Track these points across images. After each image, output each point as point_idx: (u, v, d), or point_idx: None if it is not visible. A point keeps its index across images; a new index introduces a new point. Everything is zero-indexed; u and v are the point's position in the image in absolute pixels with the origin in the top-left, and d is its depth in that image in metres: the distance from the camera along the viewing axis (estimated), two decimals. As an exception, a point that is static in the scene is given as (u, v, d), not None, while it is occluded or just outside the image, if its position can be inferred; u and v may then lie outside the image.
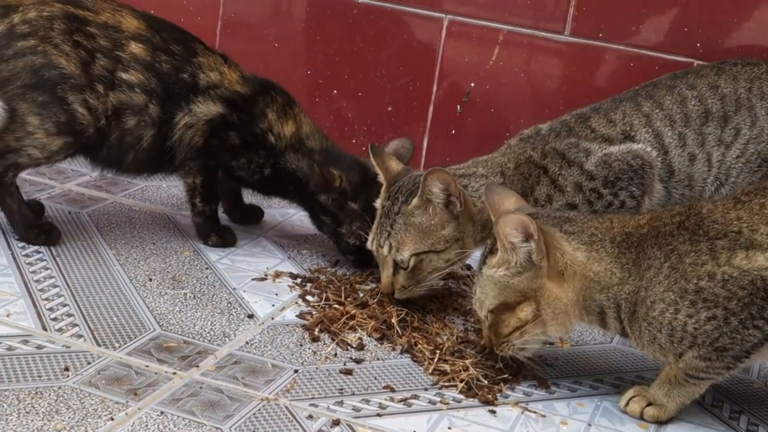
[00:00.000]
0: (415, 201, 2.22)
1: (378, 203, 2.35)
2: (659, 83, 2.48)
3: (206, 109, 2.44)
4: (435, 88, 3.02)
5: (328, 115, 3.09)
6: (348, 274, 2.47)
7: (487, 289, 1.97)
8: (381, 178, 2.36)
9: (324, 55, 3.12)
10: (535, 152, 2.36)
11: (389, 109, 3.04)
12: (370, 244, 2.31)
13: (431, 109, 3.02)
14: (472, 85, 2.97)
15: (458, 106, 2.99)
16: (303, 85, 3.14)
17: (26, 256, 2.35)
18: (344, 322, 2.21)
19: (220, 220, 2.60)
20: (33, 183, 2.72)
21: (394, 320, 2.22)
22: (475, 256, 2.23)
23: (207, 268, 2.42)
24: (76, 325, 2.07)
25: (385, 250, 2.25)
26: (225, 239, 2.56)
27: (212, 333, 2.11)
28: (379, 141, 2.69)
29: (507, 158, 2.37)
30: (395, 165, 2.37)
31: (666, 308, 1.85)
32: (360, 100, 3.09)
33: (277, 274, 2.43)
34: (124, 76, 2.37)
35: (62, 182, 2.82)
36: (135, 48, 2.39)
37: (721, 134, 2.39)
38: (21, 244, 2.39)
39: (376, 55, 3.07)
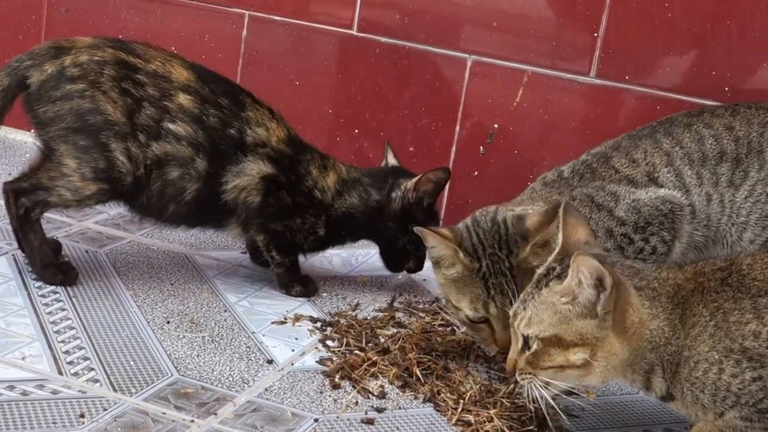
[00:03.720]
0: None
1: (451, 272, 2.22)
2: (675, 120, 2.47)
3: (257, 168, 2.42)
4: (458, 128, 3.00)
5: (349, 154, 3.06)
6: (368, 318, 2.43)
7: (544, 315, 1.85)
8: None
9: (346, 93, 3.11)
10: (562, 197, 2.32)
11: (411, 149, 3.02)
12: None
13: (454, 149, 3.00)
14: (496, 125, 2.95)
15: (481, 147, 2.96)
16: (324, 123, 3.12)
17: (42, 296, 2.31)
18: (365, 369, 2.17)
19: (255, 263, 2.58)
20: (50, 220, 2.69)
21: (415, 368, 2.17)
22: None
23: (226, 311, 2.38)
24: (93, 369, 2.03)
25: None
26: (307, 288, 2.54)
27: (231, 379, 2.07)
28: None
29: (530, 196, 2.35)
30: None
31: (710, 368, 1.79)
32: (381, 140, 3.06)
33: (297, 318, 2.40)
34: (171, 126, 2.35)
35: (80, 220, 2.79)
36: (183, 99, 2.37)
37: (732, 175, 2.38)
38: (38, 284, 2.36)
39: (399, 94, 3.05)
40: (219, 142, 2.39)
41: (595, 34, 2.84)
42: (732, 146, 2.40)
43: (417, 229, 2.24)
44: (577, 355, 1.83)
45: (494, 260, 2.16)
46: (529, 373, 1.88)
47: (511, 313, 1.93)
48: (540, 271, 1.93)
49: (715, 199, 2.39)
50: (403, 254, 2.57)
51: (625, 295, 1.82)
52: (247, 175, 2.42)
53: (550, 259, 1.94)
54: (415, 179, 2.50)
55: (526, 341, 1.87)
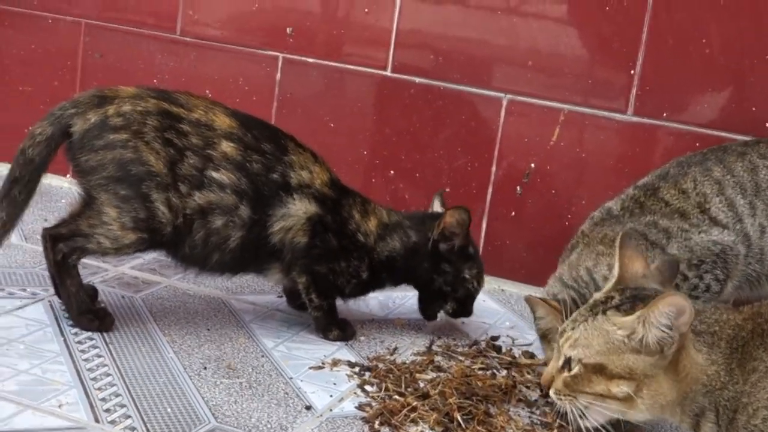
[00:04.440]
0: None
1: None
2: (728, 149, 2.44)
3: (304, 207, 2.42)
4: (494, 168, 2.98)
5: (385, 196, 3.04)
6: (407, 362, 2.40)
7: (594, 341, 1.82)
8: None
9: (380, 134, 3.10)
10: (614, 234, 2.30)
11: (447, 190, 2.98)
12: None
13: (490, 190, 2.98)
14: (532, 165, 2.93)
15: (518, 187, 2.94)
16: (359, 164, 3.11)
17: (79, 343, 2.30)
18: (405, 415, 2.13)
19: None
20: (86, 266, 2.68)
21: (456, 413, 2.14)
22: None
23: (263, 356, 2.36)
24: (129, 416, 2.01)
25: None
26: (345, 332, 2.52)
27: (269, 425, 2.05)
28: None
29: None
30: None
31: None
32: (417, 181, 3.06)
33: (335, 362, 2.37)
34: (215, 175, 2.35)
35: (116, 265, 2.78)
36: (226, 147, 2.36)
37: None
38: (74, 330, 2.35)
39: (434, 134, 3.04)
40: (263, 188, 2.38)
41: (632, 72, 2.82)
42: None
43: (527, 298, 2.28)
44: (620, 388, 1.81)
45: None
46: (567, 395, 1.85)
47: (560, 329, 1.91)
48: (597, 296, 1.91)
49: None
50: (440, 296, 2.55)
51: (685, 335, 1.78)
52: (293, 216, 2.41)
53: (608, 287, 1.92)
54: (439, 219, 2.49)
55: (569, 362, 1.85)
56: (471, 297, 2.57)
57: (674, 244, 2.28)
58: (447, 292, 2.54)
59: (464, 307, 2.57)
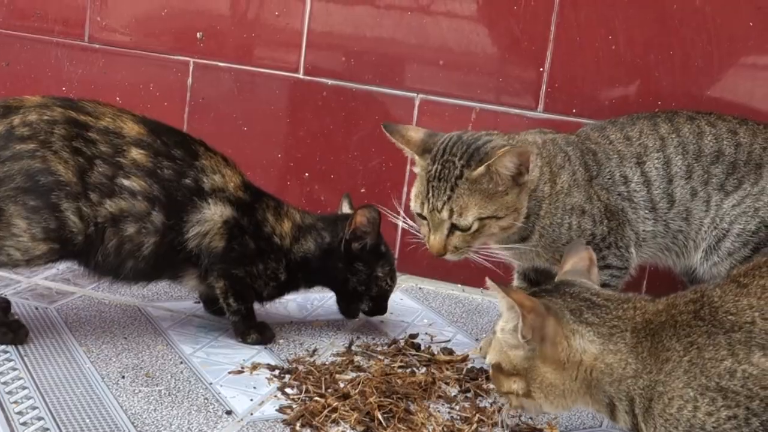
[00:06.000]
0: (481, 169, 2.26)
1: (417, 169, 2.40)
2: (679, 112, 2.53)
3: (219, 211, 2.42)
4: (408, 167, 3.01)
5: (300, 198, 3.05)
6: (327, 363, 2.41)
7: (494, 344, 1.94)
8: (406, 150, 2.43)
9: (294, 137, 3.11)
10: (559, 139, 2.45)
11: (362, 190, 3.02)
12: (420, 208, 2.35)
13: (405, 189, 3.01)
14: (446, 163, 2.95)
15: (432, 186, 2.96)
16: (273, 168, 3.11)
17: (-7, 356, 2.28)
18: (326, 416, 2.14)
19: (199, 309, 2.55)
20: (-2, 278, 2.66)
21: (377, 412, 2.16)
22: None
23: (181, 363, 2.36)
24: (48, 429, 1.99)
25: (445, 214, 2.29)
26: (264, 335, 2.52)
27: (189, 432, 2.05)
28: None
29: (531, 137, 2.45)
30: (415, 134, 2.43)
31: (684, 405, 1.79)
32: (332, 182, 3.07)
33: (254, 366, 2.37)
34: (126, 182, 2.33)
35: (29, 276, 2.75)
36: (136, 154, 2.35)
37: (725, 179, 2.43)
38: (-13, 344, 2.32)
39: (348, 136, 3.05)
40: (176, 193, 2.38)
41: (541, 69, 2.87)
42: (731, 150, 2.44)
43: (385, 125, 2.43)
44: (515, 385, 1.90)
45: (446, 166, 2.31)
46: (501, 396, 1.95)
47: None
48: None
49: (701, 196, 2.43)
50: (355, 295, 2.57)
51: (554, 326, 1.84)
52: (209, 221, 2.41)
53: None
54: (350, 218, 2.53)
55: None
56: (385, 295, 2.60)
57: (598, 182, 2.40)
58: (362, 292, 2.56)
59: (379, 306, 2.60)
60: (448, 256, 2.36)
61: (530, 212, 2.36)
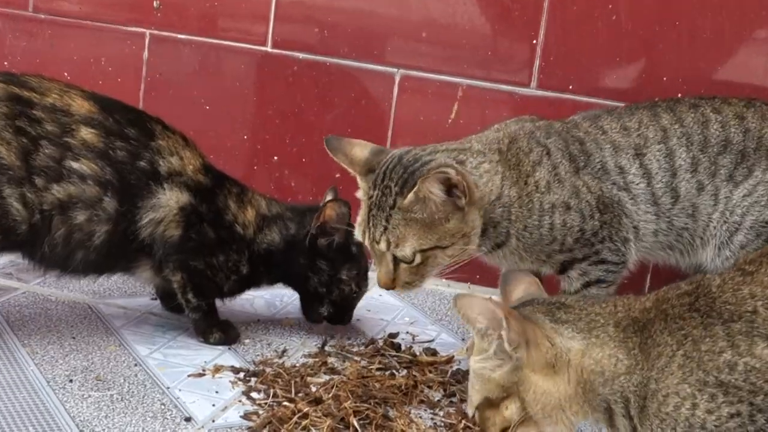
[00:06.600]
0: (410, 197, 2.24)
1: (359, 194, 2.38)
2: (680, 100, 2.53)
3: (175, 196, 2.42)
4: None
5: (269, 185, 3.05)
6: (297, 365, 2.42)
7: (474, 382, 1.91)
8: (350, 171, 2.41)
9: (262, 117, 3.11)
10: (539, 131, 2.42)
11: (337, 176, 3.01)
12: (361, 236, 2.34)
13: (384, 174, 3.00)
14: (430, 146, 2.96)
15: (415, 171, 2.97)
16: (239, 151, 3.11)
17: (-74, 358, 2.28)
18: (296, 422, 2.14)
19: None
20: (-68, 273, 2.66)
21: (352, 418, 2.16)
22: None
23: (136, 365, 2.36)
24: (-14, 437, 2.00)
25: (383, 245, 2.28)
26: (228, 334, 2.52)
27: (144, 441, 2.05)
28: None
29: (502, 134, 2.42)
30: (360, 151, 2.40)
31: (681, 402, 1.80)
32: (304, 167, 3.07)
33: (217, 369, 2.38)
34: (75, 165, 2.33)
35: (-34, 271, 2.76)
36: (86, 134, 2.35)
37: (734, 169, 2.43)
38: None
39: (321, 115, 3.06)
40: (129, 177, 2.38)
41: (534, 42, 2.87)
42: (740, 137, 2.44)
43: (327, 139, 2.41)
44: (509, 410, 1.87)
45: (384, 192, 2.30)
46: None
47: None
48: None
49: (709, 190, 2.43)
50: (316, 298, 2.57)
51: (534, 330, 1.84)
52: (164, 207, 2.41)
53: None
54: (319, 211, 2.52)
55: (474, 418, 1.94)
56: (348, 301, 2.58)
57: (587, 171, 2.39)
58: (322, 294, 2.55)
59: (340, 313, 2.59)
60: (400, 291, 2.38)
61: (500, 219, 2.35)
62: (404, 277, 2.31)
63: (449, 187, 2.22)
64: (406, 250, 2.26)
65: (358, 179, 2.39)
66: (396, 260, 2.30)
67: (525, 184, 2.36)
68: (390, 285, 2.32)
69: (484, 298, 1.85)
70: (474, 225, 2.30)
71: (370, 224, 2.31)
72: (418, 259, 2.27)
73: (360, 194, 2.39)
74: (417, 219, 2.25)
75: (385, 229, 2.27)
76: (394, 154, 2.35)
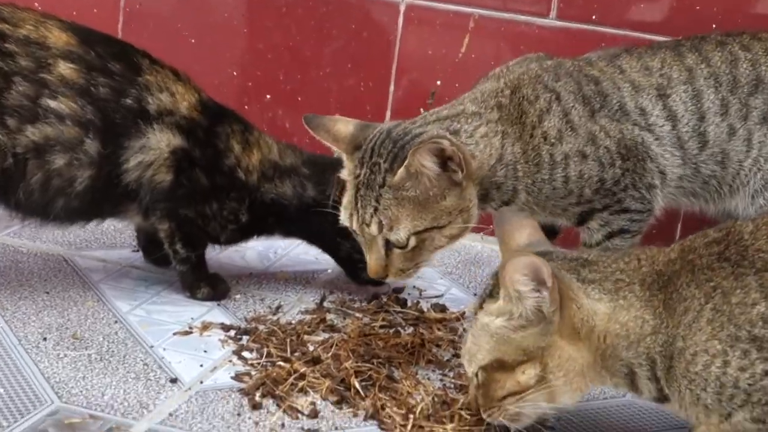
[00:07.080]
0: (401, 173, 2.20)
1: (344, 174, 2.35)
2: (706, 37, 2.49)
3: (166, 138, 2.40)
4: (392, 88, 3.01)
5: (261, 126, 3.00)
6: (293, 322, 2.41)
7: (481, 341, 1.90)
8: (334, 149, 2.38)
9: (253, 51, 3.10)
10: (546, 73, 2.37)
11: (337, 115, 3.00)
12: (348, 221, 2.29)
13: (388, 114, 3.01)
14: (438, 83, 2.96)
15: (421, 110, 2.95)
16: (228, 89, 3.10)
17: None
18: (292, 384, 2.15)
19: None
20: None
21: (353, 379, 2.16)
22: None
23: (116, 322, 2.36)
24: (-48, 400, 1.99)
25: (374, 228, 2.23)
26: (217, 289, 2.53)
27: (126, 404, 2.04)
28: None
29: (503, 83, 2.38)
30: (344, 127, 2.37)
31: (711, 360, 1.79)
32: (299, 106, 3.06)
33: (205, 326, 2.38)
34: (52, 104, 2.31)
35: (-70, 220, 2.75)
36: (65, 69, 2.33)
37: None
38: None
39: (318, 49, 3.05)
40: (113, 116, 2.36)
41: (554, -34, 2.86)
42: None
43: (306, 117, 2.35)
44: (526, 375, 1.87)
45: (373, 170, 2.25)
46: (492, 408, 1.91)
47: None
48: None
49: (741, 134, 2.40)
50: (350, 261, 2.56)
51: (565, 289, 1.84)
52: (153, 149, 2.39)
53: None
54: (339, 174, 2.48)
55: (476, 375, 1.93)
56: None
57: (604, 114, 2.36)
58: (357, 259, 2.50)
59: None
60: (392, 280, 2.34)
61: (503, 180, 2.32)
62: (398, 263, 2.27)
63: (443, 159, 2.18)
64: (399, 233, 2.22)
65: (344, 158, 2.35)
66: (388, 245, 2.25)
67: (531, 137, 2.33)
68: (382, 273, 2.28)
69: (531, 257, 1.83)
70: (474, 198, 2.27)
71: (359, 206, 2.26)
72: (413, 242, 2.23)
73: (345, 174, 2.35)
74: (410, 197, 2.21)
75: (376, 210, 2.23)
76: (382, 128, 2.32)
